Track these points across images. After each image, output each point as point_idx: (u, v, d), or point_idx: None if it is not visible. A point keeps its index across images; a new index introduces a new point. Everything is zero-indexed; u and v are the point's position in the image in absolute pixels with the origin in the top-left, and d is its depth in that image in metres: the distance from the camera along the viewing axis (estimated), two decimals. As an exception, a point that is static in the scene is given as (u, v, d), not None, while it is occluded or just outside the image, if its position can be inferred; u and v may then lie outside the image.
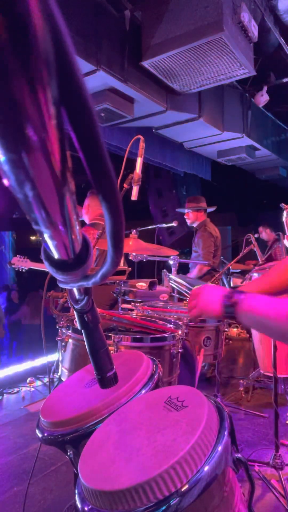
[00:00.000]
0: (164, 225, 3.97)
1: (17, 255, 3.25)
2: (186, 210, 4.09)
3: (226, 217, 9.73)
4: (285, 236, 3.04)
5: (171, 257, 3.04)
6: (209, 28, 3.05)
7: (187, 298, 1.14)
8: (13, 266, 3.23)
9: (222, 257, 4.52)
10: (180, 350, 1.73)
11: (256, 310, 0.93)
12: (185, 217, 4.15)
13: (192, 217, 4.06)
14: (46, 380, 3.74)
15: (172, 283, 2.79)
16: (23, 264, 3.21)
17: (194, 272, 3.89)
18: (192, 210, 4.04)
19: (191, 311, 1.12)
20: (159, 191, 8.08)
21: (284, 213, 2.88)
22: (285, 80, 4.76)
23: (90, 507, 0.75)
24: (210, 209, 4.13)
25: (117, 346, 1.56)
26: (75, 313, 0.73)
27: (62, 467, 2.23)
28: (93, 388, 1.12)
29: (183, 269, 3.99)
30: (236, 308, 0.98)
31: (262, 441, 2.53)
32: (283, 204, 2.89)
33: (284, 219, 2.90)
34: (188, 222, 4.14)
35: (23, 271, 3.25)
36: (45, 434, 1.04)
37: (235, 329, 5.36)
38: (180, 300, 3.11)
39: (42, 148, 0.24)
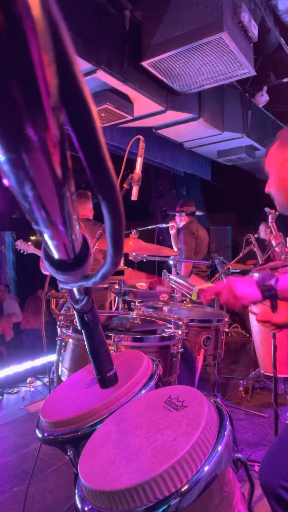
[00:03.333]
0: (164, 225, 4.11)
1: (21, 239, 3.63)
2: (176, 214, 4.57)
3: (226, 217, 9.72)
4: (272, 236, 3.16)
5: (171, 257, 3.05)
6: (209, 28, 3.05)
7: (207, 291, 1.18)
8: (16, 247, 3.61)
9: (221, 257, 4.56)
10: (180, 350, 1.73)
11: None
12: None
13: (177, 220, 4.51)
14: (46, 380, 3.74)
15: (172, 283, 2.79)
16: (25, 247, 3.57)
17: (182, 271, 4.13)
18: (177, 214, 4.49)
19: (229, 303, 1.13)
20: (159, 191, 8.06)
21: (270, 218, 3.01)
22: (285, 80, 4.76)
23: (90, 507, 0.75)
24: (198, 213, 4.54)
25: (117, 346, 1.56)
26: (75, 313, 0.73)
27: (62, 467, 2.23)
28: (93, 388, 1.12)
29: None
30: (277, 286, 1.06)
31: (262, 441, 2.53)
32: (267, 208, 2.99)
33: (269, 224, 3.03)
34: (176, 223, 4.62)
35: (24, 253, 3.61)
36: (45, 434, 1.04)
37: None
38: (180, 300, 3.11)
39: (42, 148, 0.24)
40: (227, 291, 1.12)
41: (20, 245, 3.59)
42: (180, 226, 4.44)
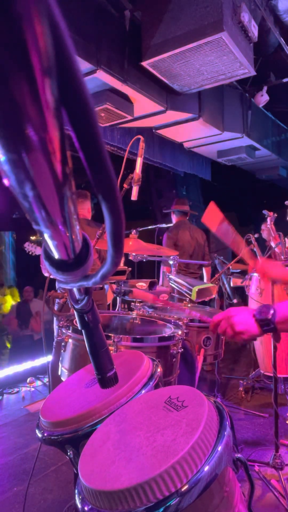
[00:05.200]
0: (164, 225, 4.11)
1: (28, 241, 3.79)
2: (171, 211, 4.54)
3: (226, 217, 9.71)
4: (272, 237, 3.17)
5: (171, 257, 3.04)
6: (209, 28, 3.05)
7: (209, 324, 1.19)
8: (24, 249, 3.76)
9: (221, 257, 4.55)
10: (180, 350, 1.73)
11: None
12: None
13: (172, 218, 4.49)
14: (46, 380, 3.74)
15: (172, 283, 2.79)
16: (33, 249, 3.71)
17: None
18: (172, 212, 4.47)
19: (228, 336, 1.13)
20: (159, 191, 8.06)
21: (268, 220, 3.02)
22: (285, 80, 4.76)
23: (90, 507, 0.75)
24: (191, 212, 4.51)
25: (117, 346, 1.56)
26: (75, 313, 0.73)
27: (62, 467, 2.23)
28: (93, 388, 1.12)
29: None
30: (275, 319, 1.01)
31: (262, 441, 2.53)
32: (266, 210, 3.00)
33: (268, 226, 3.04)
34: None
35: (33, 254, 3.75)
36: (45, 434, 1.04)
37: None
38: (180, 300, 3.11)
39: (42, 148, 0.24)
40: (226, 323, 1.12)
41: (28, 247, 3.76)
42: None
